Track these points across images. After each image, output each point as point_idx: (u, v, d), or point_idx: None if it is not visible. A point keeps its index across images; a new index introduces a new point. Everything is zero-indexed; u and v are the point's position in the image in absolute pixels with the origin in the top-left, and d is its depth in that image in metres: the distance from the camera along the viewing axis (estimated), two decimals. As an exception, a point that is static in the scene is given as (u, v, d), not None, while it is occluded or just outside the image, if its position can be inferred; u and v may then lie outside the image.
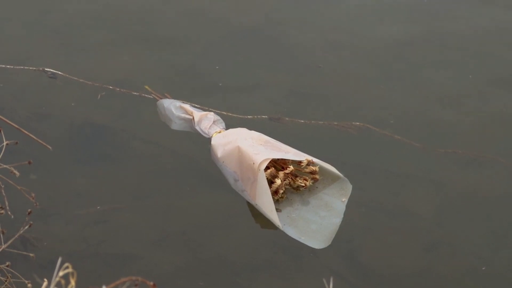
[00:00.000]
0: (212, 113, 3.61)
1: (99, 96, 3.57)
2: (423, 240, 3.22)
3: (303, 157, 3.29)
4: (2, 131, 2.40)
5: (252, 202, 3.26)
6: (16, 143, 2.37)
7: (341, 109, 3.79)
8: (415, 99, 3.87)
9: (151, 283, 1.50)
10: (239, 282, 3.07)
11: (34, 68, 3.92)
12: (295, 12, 4.43)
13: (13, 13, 4.35)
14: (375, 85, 3.95)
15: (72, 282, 1.53)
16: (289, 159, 3.30)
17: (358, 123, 3.66)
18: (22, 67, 3.94)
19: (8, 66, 3.93)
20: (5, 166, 2.33)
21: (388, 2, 4.55)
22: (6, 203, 2.41)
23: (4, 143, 2.33)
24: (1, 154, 2.31)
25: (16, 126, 2.32)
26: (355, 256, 3.16)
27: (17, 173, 2.25)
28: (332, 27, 4.33)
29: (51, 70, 3.91)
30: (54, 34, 4.22)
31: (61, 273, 1.53)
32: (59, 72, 3.90)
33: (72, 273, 1.53)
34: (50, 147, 2.43)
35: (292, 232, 3.20)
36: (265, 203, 3.19)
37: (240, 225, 3.28)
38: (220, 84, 3.93)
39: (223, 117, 3.63)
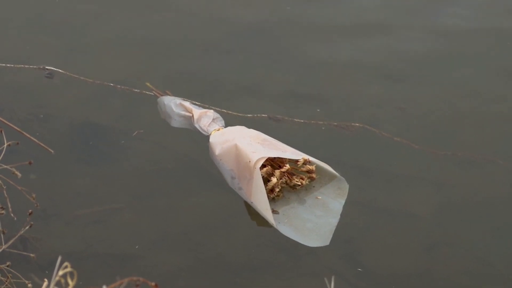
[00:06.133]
0: (211, 111, 3.61)
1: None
2: (422, 240, 3.22)
3: (300, 156, 3.29)
4: (3, 132, 2.40)
5: (248, 200, 3.26)
6: (17, 143, 2.37)
7: (341, 109, 3.79)
8: (414, 100, 3.87)
9: (153, 284, 1.50)
10: (239, 282, 3.07)
11: (35, 67, 3.92)
12: (295, 12, 4.43)
13: (14, 13, 4.35)
14: (375, 86, 3.95)
15: (71, 283, 1.53)
16: (286, 158, 3.31)
17: (357, 124, 3.66)
18: (22, 65, 3.93)
19: (8, 65, 3.93)
20: (6, 166, 2.33)
21: (388, 4, 4.55)
22: (9, 204, 2.41)
23: (5, 144, 2.32)
24: (2, 155, 2.31)
25: (18, 129, 2.31)
26: (355, 256, 3.16)
27: (19, 174, 2.24)
28: (332, 28, 4.33)
29: (52, 68, 3.91)
30: (55, 33, 4.22)
31: (60, 273, 1.53)
32: (60, 70, 3.90)
33: (72, 273, 1.53)
34: (52, 151, 2.43)
35: (287, 230, 3.20)
36: (260, 201, 3.20)
37: (240, 225, 3.28)
38: (220, 83, 3.93)
39: (222, 115, 3.63)
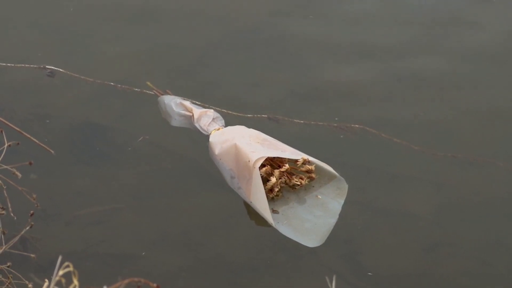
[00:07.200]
0: (211, 110, 3.61)
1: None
2: (422, 241, 3.23)
3: (299, 155, 3.29)
4: (3, 132, 2.40)
5: (247, 200, 3.27)
6: (18, 144, 2.37)
7: (341, 110, 3.78)
8: (414, 101, 3.86)
9: (155, 285, 1.50)
10: (239, 282, 3.07)
11: (35, 66, 3.92)
12: (296, 12, 4.43)
13: (14, 12, 4.34)
14: (375, 87, 3.94)
15: (75, 281, 1.53)
16: (285, 158, 3.31)
17: (357, 125, 3.66)
18: (23, 65, 3.93)
19: (9, 65, 3.93)
20: (6, 167, 2.33)
21: (388, 5, 4.54)
22: (9, 204, 2.41)
23: (6, 145, 2.32)
24: (2, 155, 2.31)
25: (18, 129, 2.31)
26: (354, 256, 3.17)
27: (19, 175, 2.24)
28: (333, 28, 4.33)
29: (52, 67, 3.91)
30: (55, 32, 4.21)
31: (61, 272, 1.53)
32: (61, 70, 3.90)
33: (74, 272, 1.53)
34: (53, 151, 2.43)
35: (285, 230, 3.20)
36: (260, 201, 3.20)
37: (240, 225, 3.28)
38: (221, 83, 3.93)
39: (223, 115, 3.63)
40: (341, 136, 3.62)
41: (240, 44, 4.19)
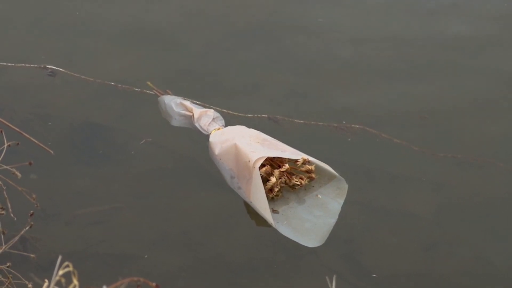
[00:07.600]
0: (212, 110, 3.62)
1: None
2: (422, 241, 3.23)
3: (299, 155, 3.29)
4: (3, 132, 2.40)
5: (247, 200, 3.27)
6: (18, 144, 2.37)
7: (341, 110, 3.78)
8: (414, 102, 3.87)
9: (154, 284, 1.50)
10: (239, 282, 3.07)
11: (36, 65, 3.92)
12: (295, 12, 4.43)
13: (14, 12, 4.35)
14: (375, 87, 3.94)
15: (75, 281, 1.53)
16: (285, 158, 3.31)
17: (357, 126, 3.66)
18: (23, 64, 3.93)
19: (9, 64, 3.93)
20: (6, 167, 2.33)
21: (390, 2, 4.54)
22: (9, 204, 2.41)
23: (6, 145, 2.33)
24: (2, 155, 2.31)
25: (18, 130, 2.32)
26: (355, 256, 3.17)
27: (19, 175, 2.24)
28: (332, 28, 4.33)
29: (53, 67, 3.91)
30: (55, 32, 4.21)
31: (61, 272, 1.53)
32: (61, 69, 3.90)
33: (73, 272, 1.53)
34: (52, 152, 2.43)
35: (285, 230, 3.21)
36: (259, 201, 3.20)
37: (240, 225, 3.28)
38: (221, 83, 3.93)
39: (223, 115, 3.63)
40: (349, 140, 3.62)
41: (240, 44, 4.19)
